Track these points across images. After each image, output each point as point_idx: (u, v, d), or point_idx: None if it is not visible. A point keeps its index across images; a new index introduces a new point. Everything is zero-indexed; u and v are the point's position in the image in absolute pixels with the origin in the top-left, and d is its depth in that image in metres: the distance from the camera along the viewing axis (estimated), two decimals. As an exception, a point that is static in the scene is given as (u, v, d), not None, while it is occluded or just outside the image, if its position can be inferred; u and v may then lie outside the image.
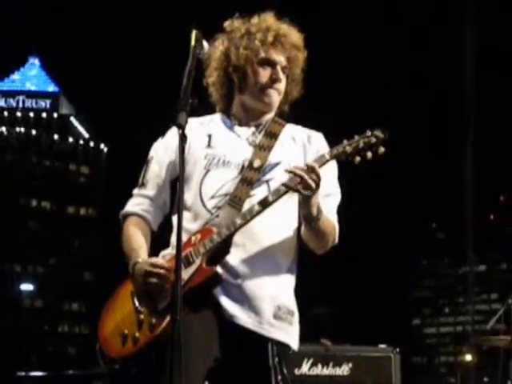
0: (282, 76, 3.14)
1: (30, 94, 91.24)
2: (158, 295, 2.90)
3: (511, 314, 4.79)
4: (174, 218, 3.16)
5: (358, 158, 2.97)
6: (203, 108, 3.19)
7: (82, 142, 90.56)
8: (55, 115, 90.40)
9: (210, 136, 3.16)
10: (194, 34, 2.87)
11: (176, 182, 3.11)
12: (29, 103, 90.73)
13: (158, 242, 3.20)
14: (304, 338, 3.22)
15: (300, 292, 3.18)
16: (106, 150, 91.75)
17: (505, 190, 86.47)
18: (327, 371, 5.28)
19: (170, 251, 3.08)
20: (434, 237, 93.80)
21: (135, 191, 3.23)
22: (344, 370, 5.27)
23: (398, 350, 5.33)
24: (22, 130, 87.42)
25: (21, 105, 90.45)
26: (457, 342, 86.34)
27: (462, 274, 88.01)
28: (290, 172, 2.90)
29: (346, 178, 3.23)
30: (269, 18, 3.18)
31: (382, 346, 5.42)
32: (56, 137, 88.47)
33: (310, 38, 3.25)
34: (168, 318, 2.82)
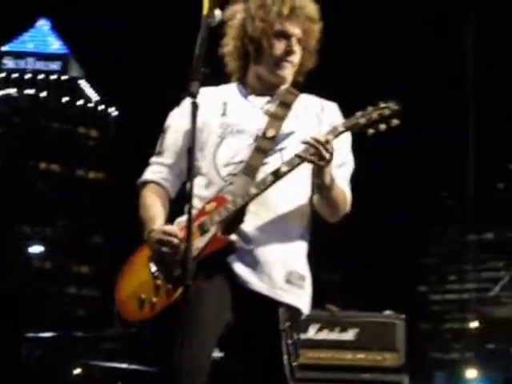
0: (296, 48, 3.18)
1: (40, 56, 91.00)
2: (173, 262, 2.96)
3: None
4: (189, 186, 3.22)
5: (371, 130, 3.03)
6: (218, 77, 3.23)
7: (91, 104, 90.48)
8: (65, 77, 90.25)
9: (224, 104, 3.21)
10: (206, 1, 2.89)
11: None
12: (38, 65, 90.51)
13: (175, 209, 3.25)
14: (311, 303, 3.28)
15: (310, 258, 3.24)
16: (115, 113, 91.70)
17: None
18: (333, 336, 5.36)
19: (184, 218, 3.14)
20: (443, 204, 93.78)
21: (153, 159, 3.29)
22: (350, 335, 5.35)
23: (403, 316, 5.43)
24: (32, 92, 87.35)
25: (30, 66, 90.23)
26: (462, 309, 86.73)
27: (470, 241, 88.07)
28: (305, 143, 2.96)
29: (355, 146, 3.27)
30: None
31: (388, 312, 5.51)
32: (65, 99, 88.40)
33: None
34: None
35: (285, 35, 3.17)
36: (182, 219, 3.13)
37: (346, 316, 5.44)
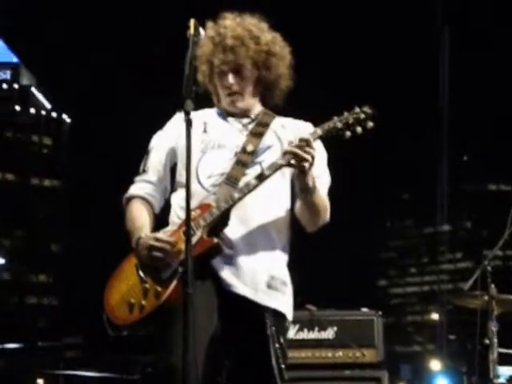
0: (232, 80, 3.31)
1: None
2: (162, 266, 3.10)
3: (487, 274, 4.98)
4: (174, 196, 3.36)
5: (348, 133, 3.19)
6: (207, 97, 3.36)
7: (43, 112, 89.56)
8: (16, 86, 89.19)
9: (205, 123, 3.37)
10: (192, 22, 3.01)
11: (175, 167, 3.36)
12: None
13: (158, 224, 3.37)
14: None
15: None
16: (68, 120, 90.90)
17: (469, 151, 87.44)
18: (313, 335, 5.48)
19: (169, 228, 3.27)
20: (398, 198, 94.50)
21: (137, 178, 3.43)
22: (329, 333, 5.47)
23: (380, 313, 5.57)
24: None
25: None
26: (423, 302, 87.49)
27: (427, 234, 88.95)
28: (286, 150, 3.10)
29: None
30: (217, 25, 3.33)
31: (365, 309, 5.65)
32: (17, 108, 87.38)
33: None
34: (172, 286, 3.07)
35: (222, 71, 3.32)
36: (168, 229, 3.27)
37: (325, 315, 5.56)
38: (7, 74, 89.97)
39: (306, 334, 5.49)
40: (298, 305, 3.42)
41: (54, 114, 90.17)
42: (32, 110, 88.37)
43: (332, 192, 3.38)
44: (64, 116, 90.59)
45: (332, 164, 3.41)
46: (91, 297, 3.34)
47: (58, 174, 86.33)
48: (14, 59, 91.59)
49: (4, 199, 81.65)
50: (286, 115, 3.46)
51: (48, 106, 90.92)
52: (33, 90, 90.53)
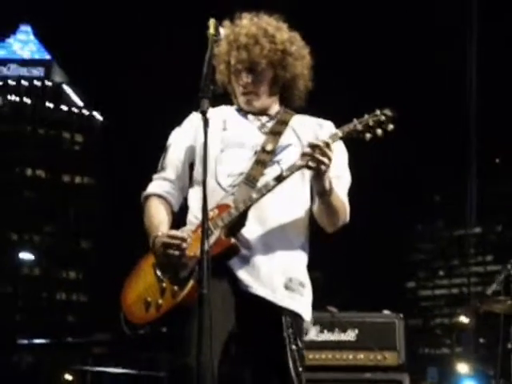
0: (246, 79, 3.30)
1: (23, 62, 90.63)
2: (178, 264, 3.09)
3: (511, 279, 4.93)
4: (191, 194, 3.35)
5: (368, 135, 3.16)
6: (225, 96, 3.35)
7: (75, 109, 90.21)
8: (48, 83, 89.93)
9: (224, 121, 3.36)
10: (212, 22, 3.01)
11: (193, 165, 3.33)
12: (21, 71, 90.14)
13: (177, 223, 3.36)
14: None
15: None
16: (100, 117, 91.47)
17: (500, 153, 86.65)
18: (334, 337, 5.45)
19: (187, 227, 3.26)
20: (429, 199, 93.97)
21: (155, 176, 3.41)
22: (350, 335, 5.44)
23: (401, 315, 5.53)
24: (15, 98, 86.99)
25: (13, 73, 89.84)
26: (452, 305, 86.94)
27: (457, 236, 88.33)
28: (304, 152, 3.09)
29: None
30: (233, 25, 3.33)
31: (386, 311, 5.61)
32: (49, 105, 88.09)
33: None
34: (189, 285, 3.04)
35: (237, 70, 3.32)
36: (186, 228, 3.25)
37: (346, 317, 5.52)
38: (40, 71, 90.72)
39: (326, 336, 5.46)
40: (314, 280, 3.36)
41: (85, 112, 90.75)
42: (64, 107, 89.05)
43: (360, 193, 3.35)
44: (95, 113, 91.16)
45: (360, 166, 3.38)
46: (120, 294, 3.34)
47: (89, 171, 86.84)
48: (47, 56, 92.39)
49: (35, 196, 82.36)
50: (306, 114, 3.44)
51: (80, 103, 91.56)
52: (65, 87, 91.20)
